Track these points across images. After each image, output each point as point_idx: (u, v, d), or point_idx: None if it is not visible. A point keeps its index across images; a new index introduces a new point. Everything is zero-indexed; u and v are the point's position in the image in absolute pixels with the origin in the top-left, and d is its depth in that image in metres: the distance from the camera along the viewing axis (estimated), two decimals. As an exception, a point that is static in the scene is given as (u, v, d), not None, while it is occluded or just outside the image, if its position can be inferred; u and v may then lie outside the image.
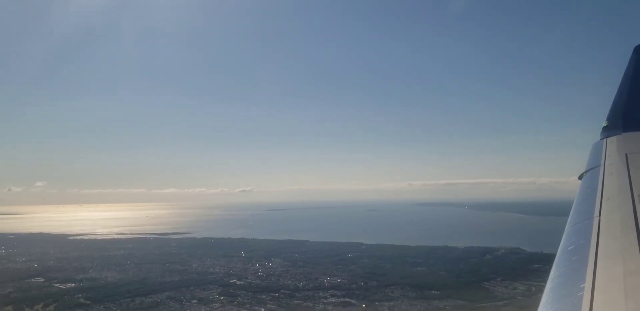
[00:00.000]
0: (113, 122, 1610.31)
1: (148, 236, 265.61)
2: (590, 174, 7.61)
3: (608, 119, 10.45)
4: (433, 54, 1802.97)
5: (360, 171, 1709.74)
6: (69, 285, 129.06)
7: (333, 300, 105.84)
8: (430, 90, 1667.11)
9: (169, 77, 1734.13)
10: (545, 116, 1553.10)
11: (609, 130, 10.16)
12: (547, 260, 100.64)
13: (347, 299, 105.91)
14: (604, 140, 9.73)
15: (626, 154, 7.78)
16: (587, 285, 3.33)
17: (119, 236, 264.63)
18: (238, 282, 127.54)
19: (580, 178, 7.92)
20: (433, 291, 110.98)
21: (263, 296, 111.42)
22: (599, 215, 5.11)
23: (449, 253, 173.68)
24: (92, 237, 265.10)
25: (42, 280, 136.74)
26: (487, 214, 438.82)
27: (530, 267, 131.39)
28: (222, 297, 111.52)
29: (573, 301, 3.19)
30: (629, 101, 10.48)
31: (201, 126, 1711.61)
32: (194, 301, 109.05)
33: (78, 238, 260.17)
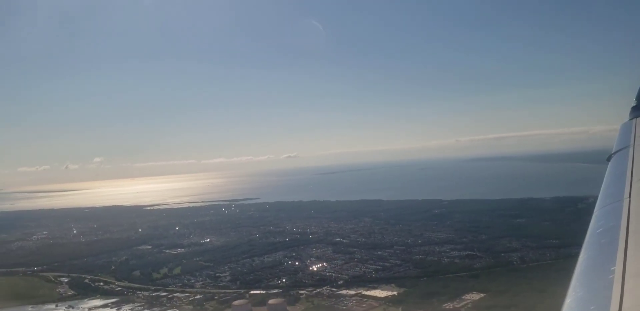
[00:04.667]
0: (160, 96, 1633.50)
1: (221, 203, 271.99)
2: (619, 155, 7.60)
3: (637, 99, 10.35)
4: (474, 9, 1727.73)
5: (403, 130, 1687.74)
6: (179, 250, 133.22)
7: (455, 253, 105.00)
8: (473, 41, 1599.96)
9: (214, 46, 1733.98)
10: (590, 65, 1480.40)
11: (638, 110, 10.15)
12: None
13: (469, 252, 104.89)
14: (633, 120, 9.65)
15: None
16: (618, 268, 3.34)
17: (193, 204, 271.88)
18: (344, 240, 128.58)
19: (608, 159, 7.83)
20: (552, 241, 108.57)
21: (379, 252, 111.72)
22: (629, 197, 5.00)
23: (540, 204, 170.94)
24: (167, 207, 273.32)
25: (150, 247, 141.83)
26: (549, 166, 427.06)
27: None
28: (337, 254, 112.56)
29: (604, 284, 3.16)
30: None
31: (245, 94, 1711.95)
32: (312, 259, 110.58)
33: (155, 208, 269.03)
